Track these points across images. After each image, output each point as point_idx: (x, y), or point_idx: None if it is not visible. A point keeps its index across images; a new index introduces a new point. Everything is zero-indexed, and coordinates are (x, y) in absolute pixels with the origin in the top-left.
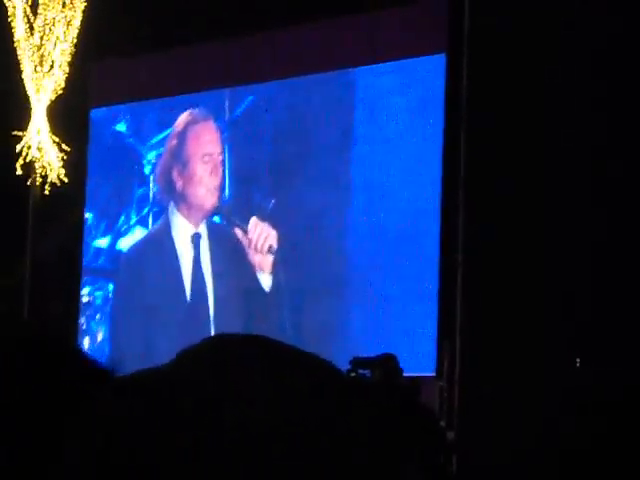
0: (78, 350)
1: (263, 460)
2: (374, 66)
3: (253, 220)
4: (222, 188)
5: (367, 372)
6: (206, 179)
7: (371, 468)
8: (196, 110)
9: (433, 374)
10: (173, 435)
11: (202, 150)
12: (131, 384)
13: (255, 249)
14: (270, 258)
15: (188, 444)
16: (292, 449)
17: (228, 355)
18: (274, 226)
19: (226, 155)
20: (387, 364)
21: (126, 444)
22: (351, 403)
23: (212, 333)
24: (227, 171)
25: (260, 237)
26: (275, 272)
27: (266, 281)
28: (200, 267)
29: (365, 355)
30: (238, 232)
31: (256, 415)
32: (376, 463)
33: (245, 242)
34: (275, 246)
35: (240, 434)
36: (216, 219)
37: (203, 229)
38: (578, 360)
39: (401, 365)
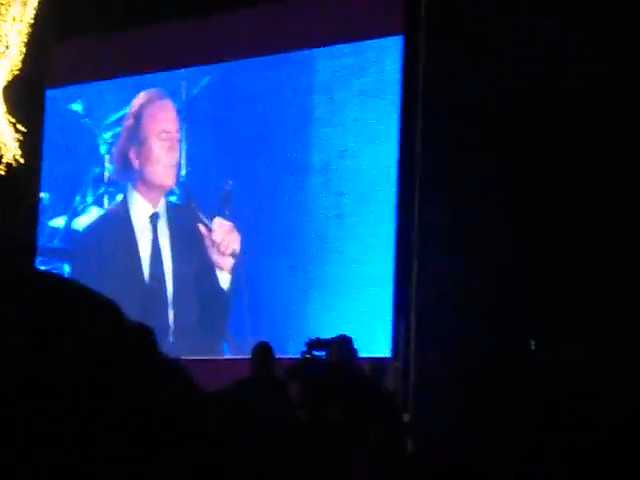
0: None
1: None
2: (332, 47)
3: (217, 221)
4: (180, 166)
5: (323, 353)
6: (163, 156)
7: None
8: (153, 90)
9: (389, 356)
10: None
11: (159, 127)
12: None
13: (218, 251)
14: (231, 260)
15: None
16: None
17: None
18: (231, 210)
19: (184, 135)
20: (341, 345)
21: None
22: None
23: (171, 315)
24: (185, 151)
25: (224, 241)
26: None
27: (227, 266)
28: (159, 247)
29: (322, 337)
30: (201, 227)
31: None
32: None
33: (208, 242)
34: (238, 250)
35: None
36: (174, 199)
37: (161, 209)
38: (533, 342)
39: (357, 347)
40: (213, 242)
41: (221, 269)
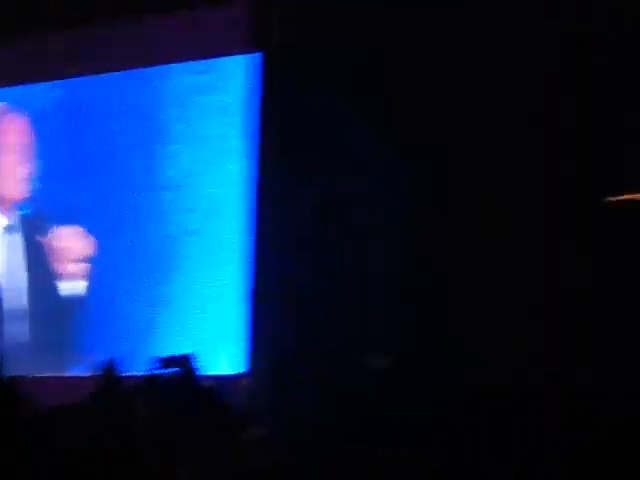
0: None
1: None
2: (184, 64)
3: (64, 229)
4: (31, 180)
5: (169, 370)
6: (12, 170)
7: None
8: (2, 104)
9: (244, 372)
10: None
11: (8, 140)
12: None
13: (68, 259)
14: (82, 266)
15: None
16: None
17: None
18: (82, 227)
19: (35, 149)
20: (185, 363)
21: None
22: None
23: (21, 329)
24: (36, 165)
25: (73, 248)
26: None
27: (78, 274)
28: (10, 261)
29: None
30: (51, 238)
31: None
32: None
33: (58, 251)
34: (88, 255)
35: None
36: (25, 212)
37: (12, 222)
38: (371, 357)
39: (206, 364)
40: (62, 250)
41: (72, 278)
